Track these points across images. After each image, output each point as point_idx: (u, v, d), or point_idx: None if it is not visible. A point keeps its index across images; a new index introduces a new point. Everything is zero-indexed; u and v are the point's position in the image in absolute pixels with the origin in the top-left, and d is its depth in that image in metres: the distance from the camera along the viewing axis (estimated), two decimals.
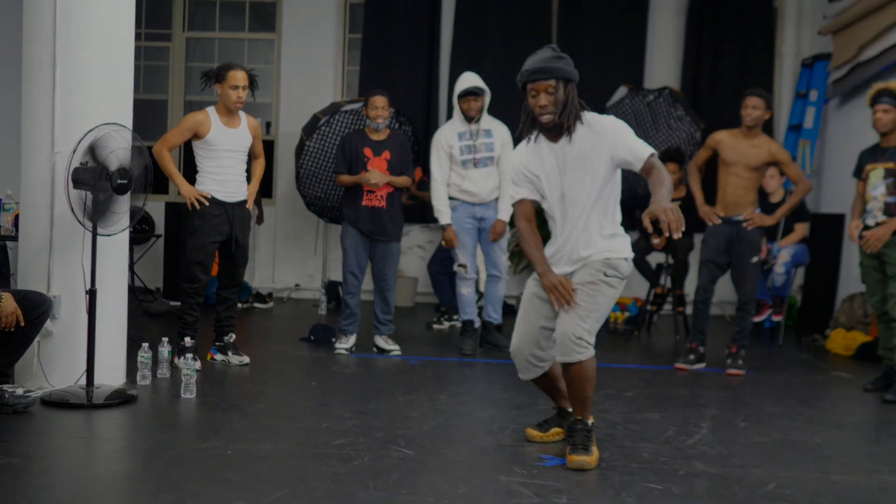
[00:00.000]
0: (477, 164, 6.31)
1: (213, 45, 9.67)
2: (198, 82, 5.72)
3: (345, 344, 6.28)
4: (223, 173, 5.56)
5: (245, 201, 5.67)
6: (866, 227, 5.51)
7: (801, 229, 7.44)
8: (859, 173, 5.64)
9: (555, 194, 3.82)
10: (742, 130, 6.02)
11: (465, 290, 6.45)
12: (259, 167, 5.87)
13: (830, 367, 6.40)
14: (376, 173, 6.10)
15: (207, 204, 5.50)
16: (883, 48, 7.22)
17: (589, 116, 3.78)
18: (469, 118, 6.28)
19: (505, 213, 6.37)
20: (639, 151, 3.67)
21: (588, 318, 3.71)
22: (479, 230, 6.44)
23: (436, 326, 7.69)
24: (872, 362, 6.30)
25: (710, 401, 5.10)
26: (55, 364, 4.76)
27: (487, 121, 6.37)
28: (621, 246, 3.82)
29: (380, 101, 6.16)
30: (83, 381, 4.60)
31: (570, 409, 4.03)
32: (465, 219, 6.37)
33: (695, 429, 4.41)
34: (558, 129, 3.74)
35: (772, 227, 7.25)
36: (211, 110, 5.57)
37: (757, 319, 7.14)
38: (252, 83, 5.60)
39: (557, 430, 4.09)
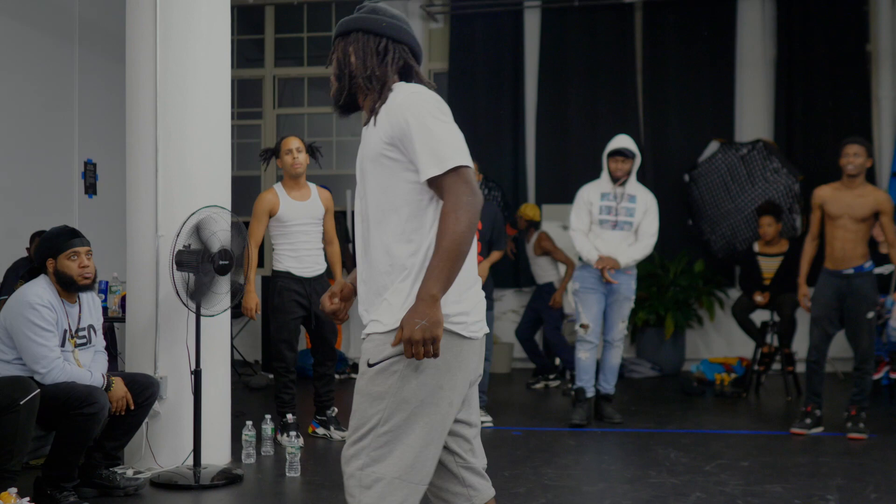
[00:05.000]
0: (614, 227, 6.04)
1: (303, 120, 9.85)
2: None
3: None
4: (298, 249, 5.52)
5: (323, 275, 5.60)
6: None
7: None
8: None
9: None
10: (844, 182, 5.77)
11: (584, 355, 6.06)
12: (334, 255, 5.76)
13: None
14: None
15: (255, 318, 5.52)
16: None
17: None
18: (615, 179, 6.02)
19: (626, 256, 5.99)
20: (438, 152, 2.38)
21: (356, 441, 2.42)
22: (605, 295, 6.08)
23: (535, 386, 7.85)
24: None
25: (833, 469, 4.83)
26: (163, 445, 4.80)
27: (634, 186, 6.10)
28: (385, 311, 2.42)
29: None
30: (190, 462, 4.62)
31: None
32: (591, 279, 6.07)
33: (821, 502, 4.17)
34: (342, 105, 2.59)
35: (884, 278, 6.97)
36: (277, 187, 5.57)
37: (874, 377, 6.79)
38: (311, 151, 5.62)
39: None
